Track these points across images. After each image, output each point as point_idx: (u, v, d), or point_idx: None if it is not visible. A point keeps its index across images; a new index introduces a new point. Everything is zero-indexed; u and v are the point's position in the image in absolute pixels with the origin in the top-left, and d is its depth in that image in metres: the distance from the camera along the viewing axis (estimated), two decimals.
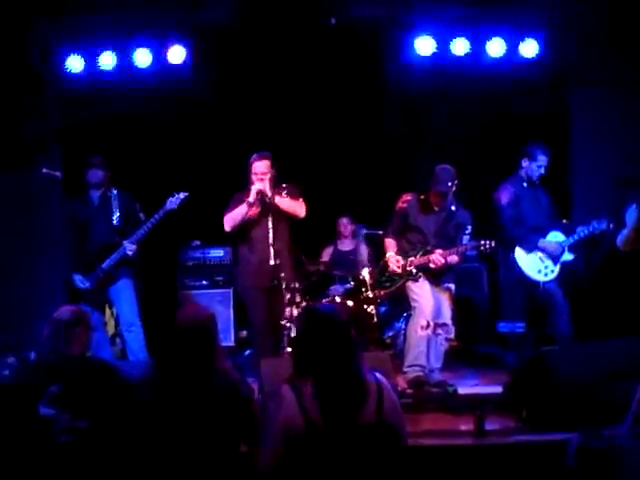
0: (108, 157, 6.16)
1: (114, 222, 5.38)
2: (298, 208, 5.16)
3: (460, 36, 6.23)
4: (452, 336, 5.03)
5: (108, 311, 5.88)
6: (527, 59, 6.31)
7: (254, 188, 5.01)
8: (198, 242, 6.87)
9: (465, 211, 5.19)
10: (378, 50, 6.34)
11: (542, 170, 5.44)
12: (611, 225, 5.24)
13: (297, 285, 5.09)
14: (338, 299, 5.78)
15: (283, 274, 4.94)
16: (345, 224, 6.87)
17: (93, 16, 5.98)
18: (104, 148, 6.41)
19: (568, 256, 5.44)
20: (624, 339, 4.38)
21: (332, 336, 2.56)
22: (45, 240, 6.16)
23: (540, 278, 5.40)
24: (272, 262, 4.94)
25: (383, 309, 6.02)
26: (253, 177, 5.07)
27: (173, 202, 5.29)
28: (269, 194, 5.01)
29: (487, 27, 6.24)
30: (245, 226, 5.14)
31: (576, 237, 5.38)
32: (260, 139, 5.73)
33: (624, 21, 5.92)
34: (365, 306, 5.66)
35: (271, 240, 4.96)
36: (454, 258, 5.03)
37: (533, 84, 6.33)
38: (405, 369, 4.88)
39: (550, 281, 5.39)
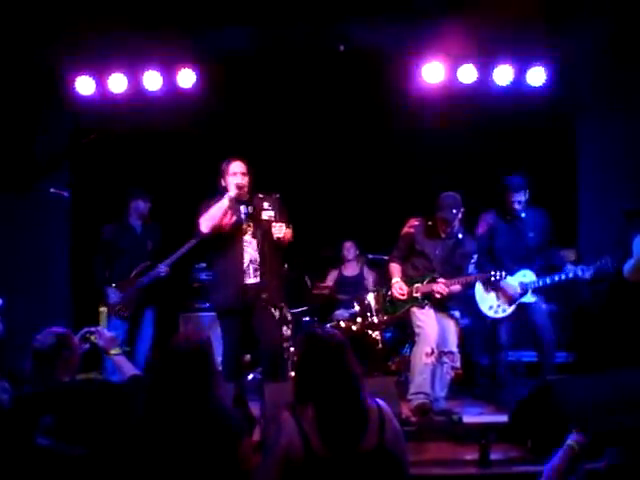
0: (116, 178, 6.23)
1: (148, 248, 5.79)
2: (287, 234, 4.67)
3: (468, 63, 6.27)
4: (458, 364, 4.98)
5: None
6: (534, 87, 6.34)
7: (233, 181, 4.64)
8: (203, 264, 6.86)
9: (472, 240, 5.17)
10: (386, 77, 6.37)
11: (516, 205, 5.28)
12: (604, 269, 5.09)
13: (283, 306, 4.94)
14: (343, 324, 5.76)
15: (265, 295, 4.54)
16: (349, 248, 6.88)
17: (104, 38, 6.03)
18: (112, 169, 6.49)
19: (530, 298, 5.27)
20: (631, 369, 4.35)
21: (332, 361, 2.54)
22: (50, 259, 6.17)
23: (489, 314, 5.35)
24: (248, 280, 4.61)
25: (388, 335, 6.00)
26: (230, 178, 4.70)
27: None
28: (235, 203, 4.66)
29: (494, 55, 6.27)
30: (220, 240, 4.72)
31: (548, 281, 5.21)
32: (267, 164, 5.75)
33: (631, 50, 5.95)
34: (370, 331, 5.65)
35: (247, 256, 4.64)
36: (457, 287, 5.02)
37: (540, 112, 6.35)
38: (409, 397, 4.84)
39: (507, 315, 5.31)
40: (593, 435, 2.56)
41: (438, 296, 4.97)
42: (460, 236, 5.11)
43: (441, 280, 4.99)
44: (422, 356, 4.80)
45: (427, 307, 5.03)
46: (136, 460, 2.61)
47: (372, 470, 2.47)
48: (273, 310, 4.64)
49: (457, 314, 5.17)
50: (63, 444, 2.80)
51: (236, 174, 4.71)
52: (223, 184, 4.78)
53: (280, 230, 4.60)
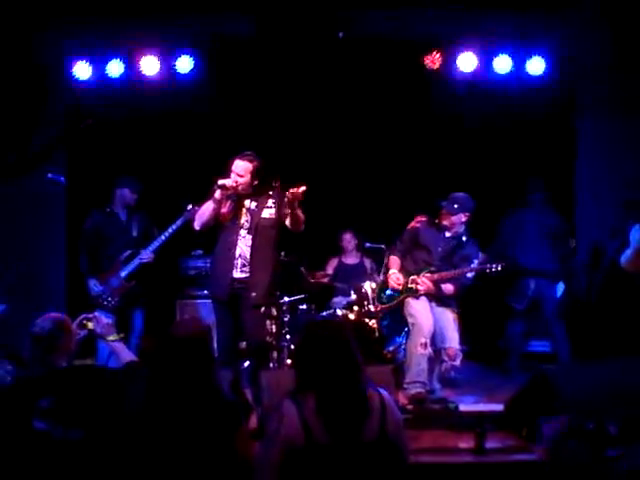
0: (113, 164, 6.20)
1: (133, 235, 5.70)
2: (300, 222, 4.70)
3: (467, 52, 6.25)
4: (458, 362, 4.92)
5: None
6: (533, 77, 6.32)
7: (218, 183, 4.63)
8: (200, 251, 6.84)
9: (475, 245, 5.17)
10: (386, 65, 6.34)
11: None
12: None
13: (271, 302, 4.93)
14: (340, 312, 5.77)
15: (254, 293, 4.56)
16: (349, 239, 6.86)
17: (101, 23, 6.00)
18: (109, 154, 6.46)
19: None
20: (626, 359, 4.37)
21: (335, 350, 2.53)
22: (47, 246, 6.16)
23: None
24: (235, 274, 4.62)
25: (384, 323, 6.00)
26: (231, 174, 4.72)
27: (187, 215, 5.34)
28: (233, 190, 4.64)
29: (494, 44, 6.26)
30: (218, 231, 4.78)
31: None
32: (266, 150, 5.71)
33: (631, 41, 5.93)
34: (367, 320, 5.65)
35: (239, 250, 4.64)
36: (449, 287, 5.01)
37: (538, 104, 6.33)
38: (405, 385, 4.84)
39: None
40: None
41: (421, 289, 4.98)
42: (464, 239, 5.12)
43: (427, 275, 4.99)
44: (417, 346, 4.79)
45: (422, 298, 5.02)
46: (135, 446, 2.61)
47: (373, 459, 2.47)
48: (258, 306, 4.66)
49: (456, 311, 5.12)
50: (60, 428, 2.81)
51: (232, 173, 4.70)
52: None
53: (295, 194, 4.48)
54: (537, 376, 4.31)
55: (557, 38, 6.19)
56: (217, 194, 4.61)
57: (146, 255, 5.53)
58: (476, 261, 5.07)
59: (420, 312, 4.96)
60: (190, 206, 5.33)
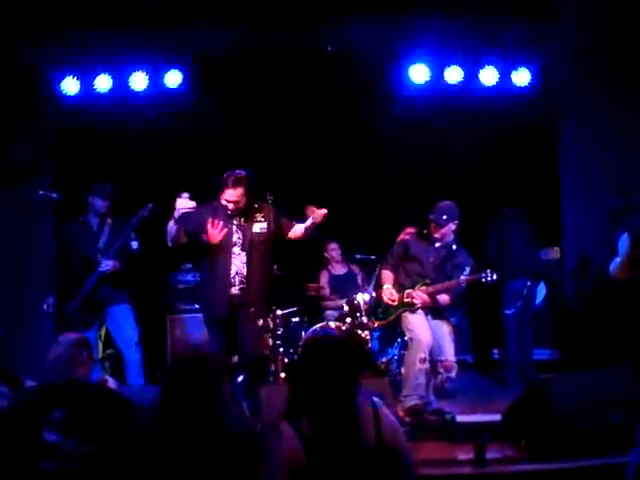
0: (101, 178, 6.14)
1: (100, 245, 5.40)
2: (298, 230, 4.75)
3: (454, 64, 6.31)
4: (453, 374, 4.90)
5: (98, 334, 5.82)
6: (518, 89, 6.40)
7: (177, 204, 4.60)
8: (189, 265, 6.81)
9: (465, 253, 5.14)
10: (373, 78, 6.38)
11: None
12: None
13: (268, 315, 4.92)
14: (332, 324, 5.77)
15: (253, 308, 4.60)
16: (335, 249, 6.89)
17: (89, 38, 5.97)
18: (97, 169, 6.41)
19: None
20: (618, 366, 4.42)
21: (334, 369, 2.52)
22: (37, 262, 6.09)
23: None
24: (233, 291, 4.63)
25: (376, 334, 6.01)
26: (223, 201, 4.69)
27: (142, 213, 5.28)
28: (226, 217, 4.65)
29: (481, 56, 6.32)
30: (209, 249, 4.72)
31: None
32: (254, 164, 5.71)
33: (616, 52, 6.03)
34: (359, 331, 5.66)
35: (234, 268, 4.65)
36: (445, 299, 5.00)
37: (523, 114, 6.40)
38: (402, 397, 4.83)
39: None
40: None
41: (417, 302, 4.98)
42: (454, 247, 5.11)
43: (423, 288, 5.00)
44: (416, 361, 4.76)
45: (419, 312, 5.01)
46: (151, 464, 2.59)
47: (375, 468, 2.48)
48: (256, 321, 4.68)
49: (451, 322, 5.14)
50: (71, 441, 2.80)
51: (229, 202, 4.67)
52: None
53: (318, 216, 4.56)
54: (533, 386, 4.35)
55: (542, 49, 6.26)
56: (176, 213, 4.60)
57: (105, 265, 5.27)
58: (468, 268, 5.05)
59: (418, 326, 4.93)
60: (150, 205, 5.27)
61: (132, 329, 5.44)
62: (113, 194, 5.54)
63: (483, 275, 4.90)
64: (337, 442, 2.47)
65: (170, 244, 4.77)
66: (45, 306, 5.36)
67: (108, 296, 5.38)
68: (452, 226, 5.07)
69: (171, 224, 4.68)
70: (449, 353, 4.89)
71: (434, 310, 5.04)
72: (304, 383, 2.56)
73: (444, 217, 5.03)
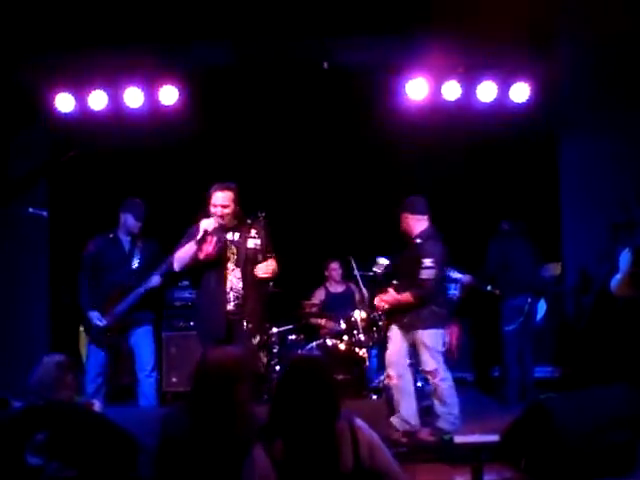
0: (97, 196, 6.12)
1: (133, 267, 5.30)
2: (273, 271, 4.64)
3: (451, 80, 6.28)
4: (437, 380, 4.80)
5: None
6: (517, 104, 6.36)
7: (202, 225, 4.50)
8: (186, 282, 6.75)
9: (432, 244, 4.88)
10: (370, 93, 6.35)
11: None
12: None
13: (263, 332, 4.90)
14: (329, 342, 5.69)
15: (250, 325, 4.52)
16: (336, 268, 6.85)
17: (84, 55, 5.96)
18: (92, 187, 6.39)
19: None
20: (620, 385, 4.33)
21: (314, 393, 2.49)
22: (30, 278, 6.05)
23: None
24: (229, 307, 4.56)
25: (374, 352, 5.94)
26: (211, 208, 4.59)
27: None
28: (220, 232, 4.56)
29: (479, 71, 6.29)
30: (202, 267, 4.63)
31: None
32: (251, 180, 5.69)
33: (614, 67, 6.01)
34: (357, 349, 5.59)
35: (229, 284, 4.58)
36: (405, 295, 4.85)
37: (523, 129, 6.38)
38: (395, 419, 4.79)
39: None
40: None
41: (379, 307, 5.03)
42: (418, 241, 4.90)
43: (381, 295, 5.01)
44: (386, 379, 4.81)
45: (393, 327, 4.97)
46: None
47: None
48: (252, 337, 4.60)
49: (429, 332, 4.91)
50: (54, 464, 2.74)
51: (216, 206, 4.58)
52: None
53: (267, 269, 4.56)
54: (533, 405, 4.26)
55: (541, 65, 6.23)
56: (199, 235, 4.50)
57: (155, 281, 5.18)
58: (426, 260, 4.77)
59: (390, 341, 4.95)
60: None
61: (150, 354, 5.35)
62: (145, 215, 5.42)
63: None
64: (311, 467, 2.42)
65: (179, 269, 4.69)
66: (97, 321, 5.18)
67: (138, 316, 5.30)
68: (411, 219, 4.97)
69: (191, 244, 4.54)
70: (427, 362, 4.81)
71: (402, 324, 4.92)
72: (282, 404, 2.52)
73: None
